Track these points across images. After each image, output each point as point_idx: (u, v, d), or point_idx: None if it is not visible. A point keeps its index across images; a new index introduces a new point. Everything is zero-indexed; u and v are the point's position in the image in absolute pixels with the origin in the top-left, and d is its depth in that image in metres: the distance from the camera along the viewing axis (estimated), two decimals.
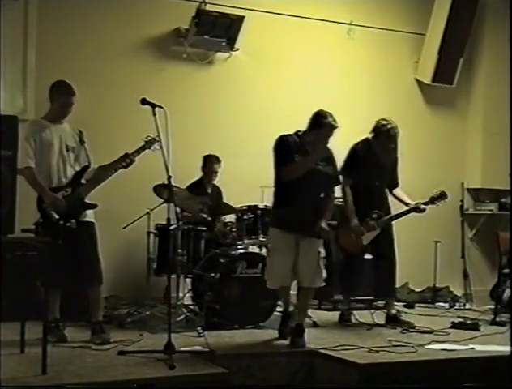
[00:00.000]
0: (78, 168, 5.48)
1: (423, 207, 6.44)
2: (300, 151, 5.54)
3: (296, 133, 5.66)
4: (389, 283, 6.57)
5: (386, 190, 6.62)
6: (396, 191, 6.65)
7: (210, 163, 7.05)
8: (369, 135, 6.52)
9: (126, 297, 6.85)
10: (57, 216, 5.26)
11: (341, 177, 6.12)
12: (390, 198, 6.67)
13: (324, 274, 5.63)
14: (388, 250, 6.52)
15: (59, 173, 5.41)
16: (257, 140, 7.74)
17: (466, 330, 6.29)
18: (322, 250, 5.64)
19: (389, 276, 6.54)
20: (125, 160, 5.45)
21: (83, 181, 5.46)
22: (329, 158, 5.67)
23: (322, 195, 5.63)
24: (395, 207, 6.68)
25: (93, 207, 5.48)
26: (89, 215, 5.49)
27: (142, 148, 5.51)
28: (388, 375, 5.00)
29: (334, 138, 5.71)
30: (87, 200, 5.45)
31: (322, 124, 5.51)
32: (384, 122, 6.43)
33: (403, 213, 6.50)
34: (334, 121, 5.52)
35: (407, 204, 6.53)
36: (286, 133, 5.65)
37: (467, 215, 8.68)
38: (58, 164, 5.41)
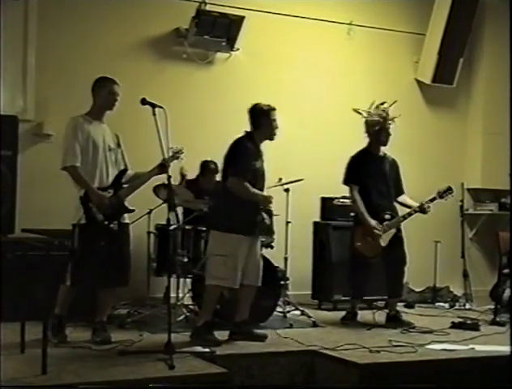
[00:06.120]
0: (116, 171, 5.44)
1: (427, 205, 6.46)
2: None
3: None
4: (400, 283, 6.64)
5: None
6: (400, 197, 6.69)
7: (208, 172, 6.94)
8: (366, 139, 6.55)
9: (126, 297, 6.85)
10: (102, 217, 5.24)
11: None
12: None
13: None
14: (400, 250, 6.55)
15: (102, 173, 5.35)
16: None
17: (466, 330, 6.30)
18: None
19: (401, 277, 6.61)
20: (159, 168, 5.38)
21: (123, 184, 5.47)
22: None
23: None
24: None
25: (131, 211, 5.51)
26: (126, 217, 5.51)
27: (173, 158, 5.50)
28: (388, 375, 5.00)
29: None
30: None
31: None
32: (374, 122, 6.46)
33: (411, 213, 6.53)
34: None
35: (410, 207, 6.57)
36: None
37: (467, 216, 8.66)
38: (102, 163, 5.35)
